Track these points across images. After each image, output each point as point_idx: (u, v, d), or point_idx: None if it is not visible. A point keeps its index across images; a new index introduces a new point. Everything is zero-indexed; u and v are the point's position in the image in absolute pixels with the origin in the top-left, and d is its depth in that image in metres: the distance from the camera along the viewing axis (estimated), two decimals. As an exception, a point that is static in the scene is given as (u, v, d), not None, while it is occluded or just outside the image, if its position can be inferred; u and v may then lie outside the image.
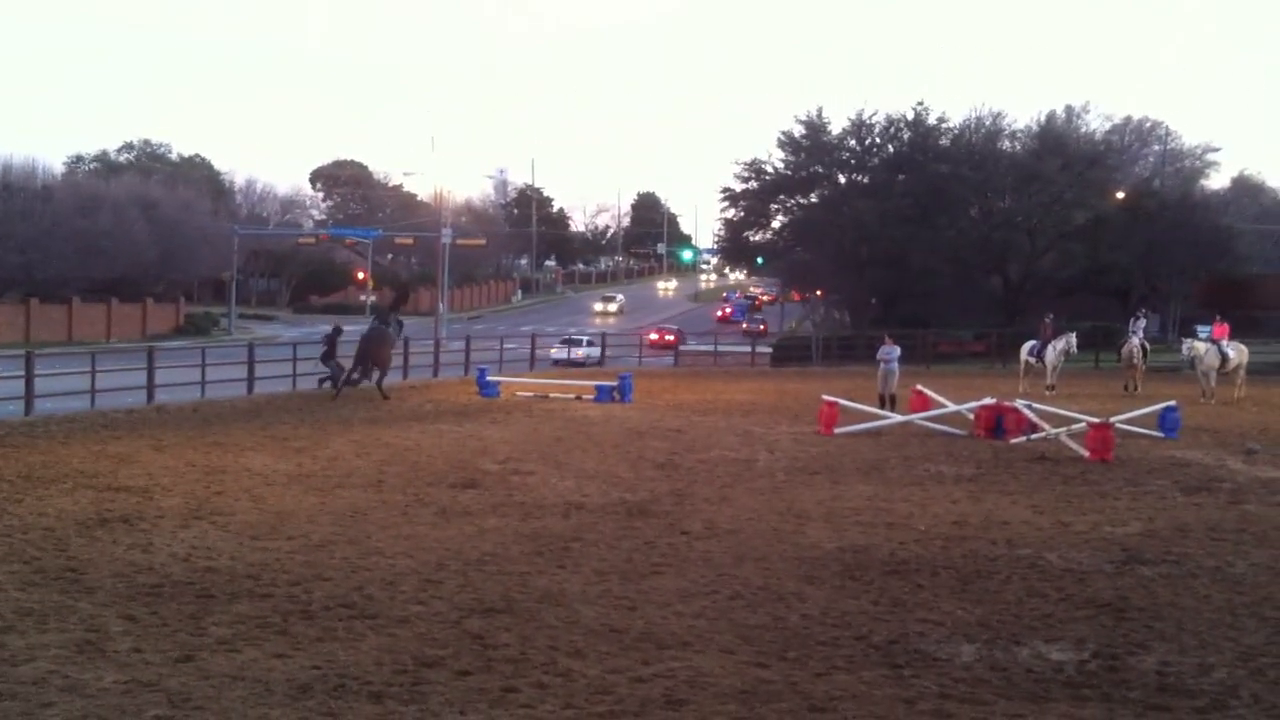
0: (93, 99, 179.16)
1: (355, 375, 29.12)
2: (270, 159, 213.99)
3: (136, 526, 12.85)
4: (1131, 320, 36.35)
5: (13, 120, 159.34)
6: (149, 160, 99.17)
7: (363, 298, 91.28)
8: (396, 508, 14.40)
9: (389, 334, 30.06)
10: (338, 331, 30.48)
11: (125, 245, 65.71)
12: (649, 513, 14.45)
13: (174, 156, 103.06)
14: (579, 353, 47.94)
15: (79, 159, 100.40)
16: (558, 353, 48.76)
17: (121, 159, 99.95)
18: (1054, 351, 32.64)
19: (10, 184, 65.96)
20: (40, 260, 61.14)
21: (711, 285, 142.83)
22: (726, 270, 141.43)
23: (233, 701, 7.46)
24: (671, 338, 59.87)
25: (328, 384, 29.30)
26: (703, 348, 53.50)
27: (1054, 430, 21.31)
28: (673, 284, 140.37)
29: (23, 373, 23.72)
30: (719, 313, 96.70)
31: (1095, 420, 20.57)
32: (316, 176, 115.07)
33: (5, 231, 60.79)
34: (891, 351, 28.50)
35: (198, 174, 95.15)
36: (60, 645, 8.56)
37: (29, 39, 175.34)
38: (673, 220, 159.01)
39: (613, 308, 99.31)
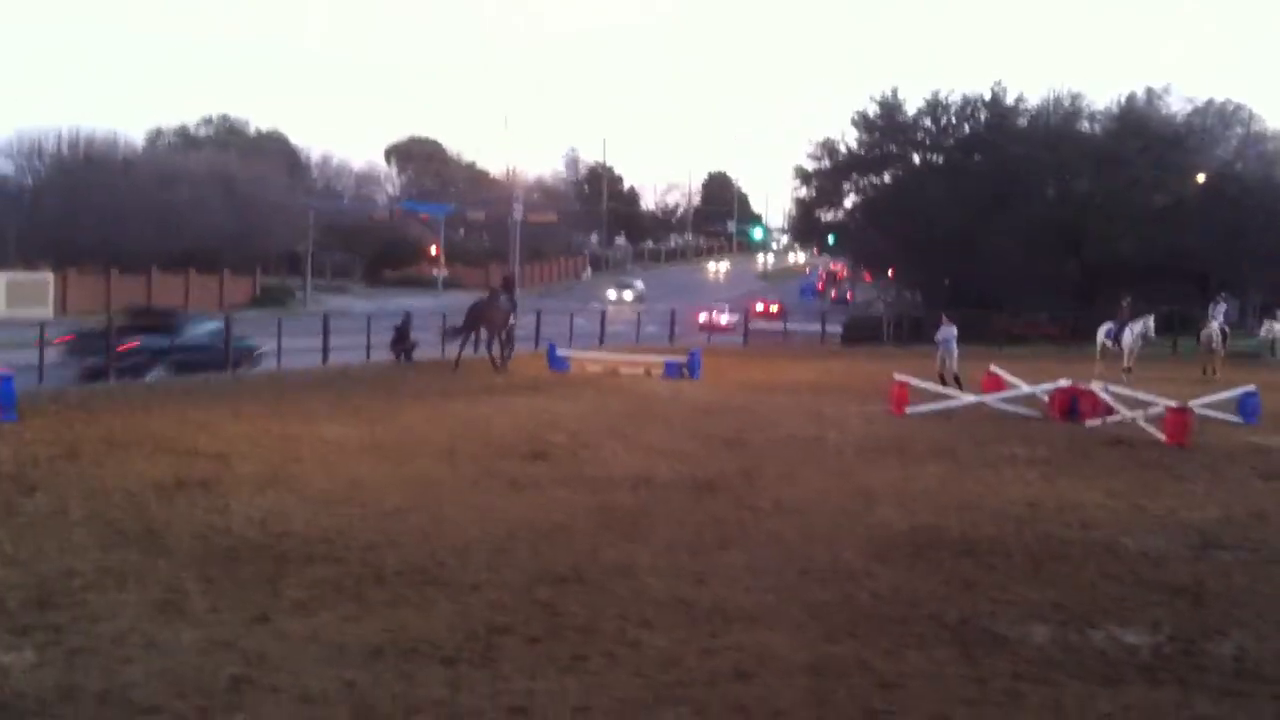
0: (173, 73, 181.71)
1: (460, 341, 29.92)
2: (346, 135, 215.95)
3: (214, 491, 13.07)
4: (1210, 305, 35.68)
5: (95, 94, 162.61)
6: (227, 134, 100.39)
7: (434, 273, 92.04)
8: (467, 478, 14.52)
9: (501, 305, 30.68)
10: (409, 318, 31.24)
11: (203, 218, 66.65)
12: (717, 489, 14.43)
13: (251, 131, 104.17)
14: (628, 294, 46.84)
15: (159, 132, 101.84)
16: (612, 294, 49.00)
17: (200, 133, 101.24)
18: (1131, 334, 32.12)
19: (92, 157, 67.24)
20: (120, 232, 62.13)
21: (768, 268, 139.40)
22: (793, 250, 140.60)
23: (307, 662, 7.58)
24: (775, 309, 61.60)
25: (404, 358, 30.01)
26: (771, 327, 53.30)
27: (1130, 414, 20.98)
28: (725, 265, 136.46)
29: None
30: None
31: (1173, 404, 20.22)
32: (391, 152, 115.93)
33: (86, 203, 61.91)
34: (949, 331, 28.31)
35: (274, 149, 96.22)
36: (140, 604, 8.73)
37: (110, 13, 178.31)
38: (743, 199, 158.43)
39: (629, 296, 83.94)
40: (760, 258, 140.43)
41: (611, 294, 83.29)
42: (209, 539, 10.86)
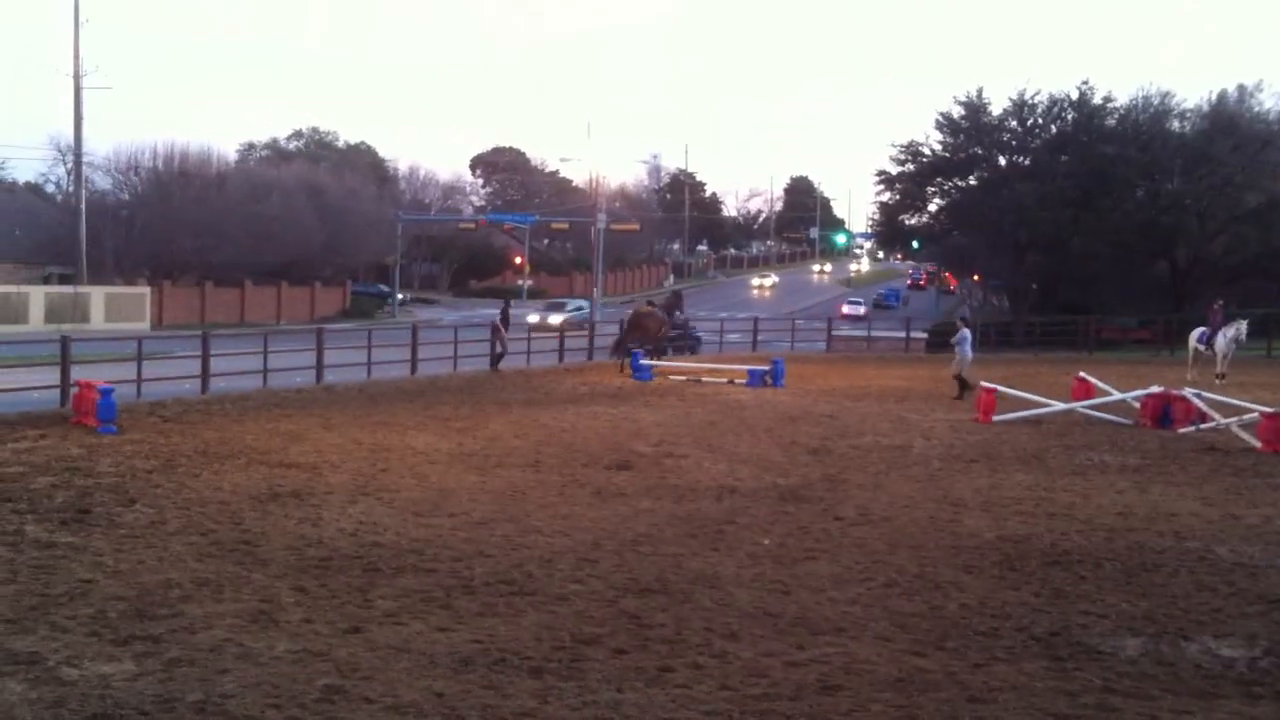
0: (265, 87, 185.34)
1: (623, 348, 33.29)
2: (432, 146, 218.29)
3: (306, 501, 13.33)
4: (1307, 307, 34.83)
5: (190, 109, 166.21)
6: (317, 147, 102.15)
7: (520, 282, 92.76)
8: (553, 487, 14.65)
9: (657, 313, 34.50)
10: (508, 303, 32.13)
11: (294, 230, 67.82)
12: (802, 498, 14.42)
13: (340, 144, 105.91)
14: (555, 319, 43.95)
15: (251, 146, 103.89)
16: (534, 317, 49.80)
17: (291, 146, 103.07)
18: (1224, 339, 31.45)
19: (186, 171, 68.64)
20: (214, 245, 63.44)
21: (863, 272, 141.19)
22: (880, 255, 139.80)
23: (398, 672, 7.72)
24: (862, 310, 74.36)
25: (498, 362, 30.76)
26: (856, 333, 52.95)
27: (1225, 420, 20.55)
28: (828, 267, 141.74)
29: (199, 353, 24.77)
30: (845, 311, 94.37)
31: (1269, 410, 19.76)
32: (476, 163, 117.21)
33: (181, 217, 63.28)
34: (964, 335, 28.13)
35: (363, 161, 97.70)
36: (235, 615, 8.94)
37: (204, 32, 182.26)
38: (826, 204, 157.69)
39: (768, 282, 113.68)
40: (853, 266, 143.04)
41: (755, 281, 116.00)
42: (302, 549, 11.08)
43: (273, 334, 30.72)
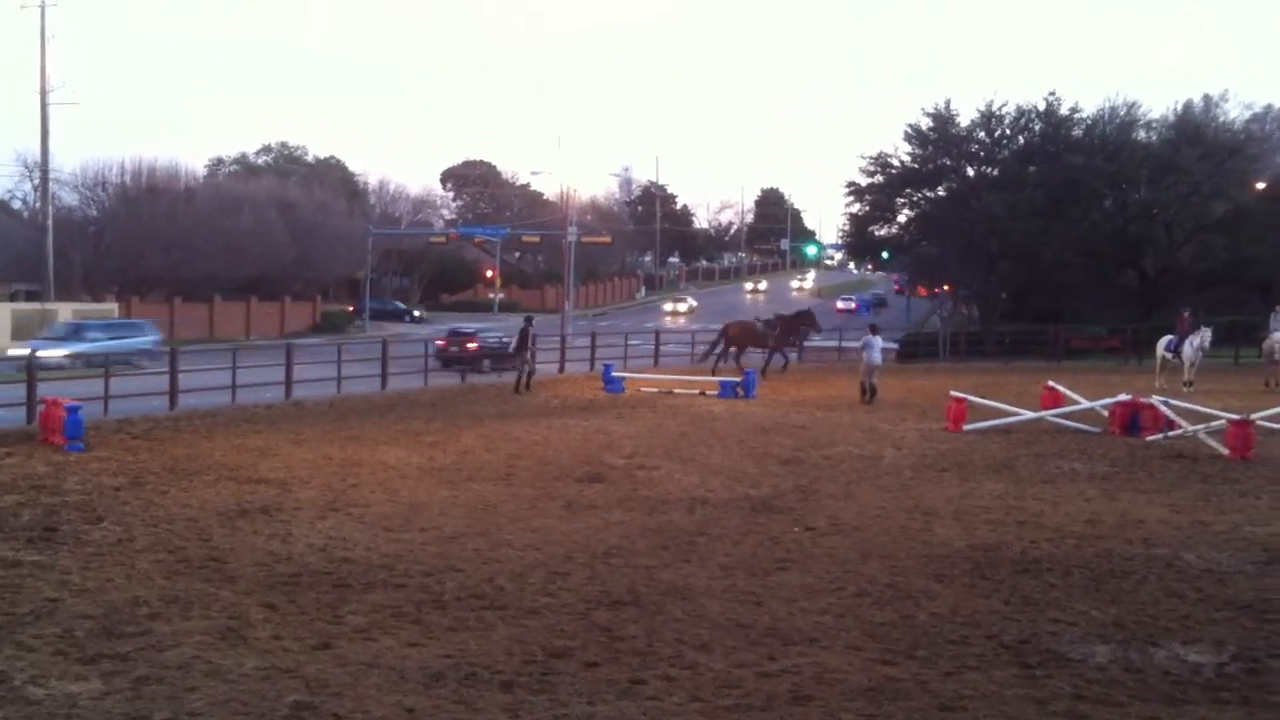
0: (232, 102, 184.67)
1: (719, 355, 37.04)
2: (402, 160, 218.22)
3: (276, 518, 13.26)
4: (1272, 315, 35.13)
5: (157, 124, 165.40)
6: (286, 162, 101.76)
7: (491, 295, 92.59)
8: (525, 501, 14.62)
9: (754, 325, 38.76)
10: (529, 321, 32.07)
11: (264, 245, 67.52)
12: (774, 508, 14.44)
13: (310, 158, 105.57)
14: (472, 345, 40.61)
15: (219, 161, 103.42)
16: (668, 305, 50.15)
17: (260, 161, 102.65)
18: (1191, 347, 31.69)
19: (155, 186, 68.23)
20: (183, 260, 63.07)
21: (806, 289, 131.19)
22: (851, 266, 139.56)
23: (368, 688, 7.68)
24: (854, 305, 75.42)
25: (523, 379, 30.37)
26: (826, 344, 53.07)
27: (1192, 427, 20.70)
28: (810, 280, 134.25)
29: (168, 369, 24.62)
30: (839, 306, 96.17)
31: (1235, 417, 19.92)
32: (447, 176, 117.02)
33: (150, 232, 62.86)
34: (872, 341, 28.37)
35: (333, 175, 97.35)
36: (203, 632, 8.88)
37: (170, 46, 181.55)
38: (796, 216, 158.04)
39: (683, 308, 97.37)
40: (798, 279, 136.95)
41: (668, 307, 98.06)
42: (271, 566, 11.02)
43: (242, 350, 30.60)
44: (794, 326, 39.93)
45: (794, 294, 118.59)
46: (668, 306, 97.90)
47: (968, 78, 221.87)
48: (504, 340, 39.63)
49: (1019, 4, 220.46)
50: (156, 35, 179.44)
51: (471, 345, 40.48)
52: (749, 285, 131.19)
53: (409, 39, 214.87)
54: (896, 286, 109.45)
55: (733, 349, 37.66)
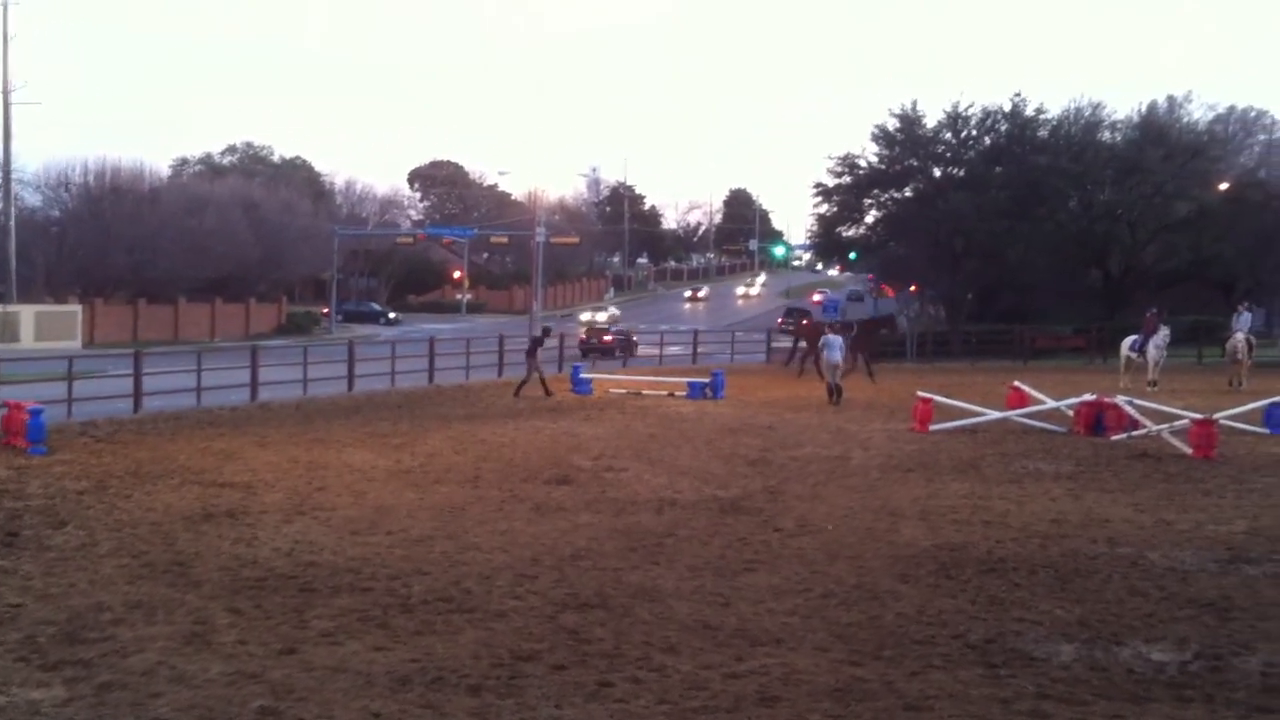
0: (197, 102, 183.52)
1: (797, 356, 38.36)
2: (369, 160, 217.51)
3: (241, 521, 13.18)
4: (1234, 315, 35.48)
5: (120, 124, 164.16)
6: (252, 162, 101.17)
7: (459, 296, 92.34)
8: (492, 503, 14.59)
9: (825, 328, 37.17)
10: (546, 333, 32.37)
11: (229, 246, 67.04)
12: (742, 509, 14.46)
13: (276, 159, 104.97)
14: (608, 338, 49.69)
15: (184, 161, 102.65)
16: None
17: (225, 161, 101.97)
18: (1154, 347, 31.97)
19: (119, 187, 67.62)
20: (148, 261, 62.59)
21: (752, 295, 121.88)
22: (819, 266, 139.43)
23: (334, 693, 7.64)
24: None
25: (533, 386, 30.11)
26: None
27: (1156, 427, 20.88)
28: (756, 288, 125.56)
29: (131, 372, 24.43)
30: (779, 322, 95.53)
31: (1199, 416, 20.11)
32: (414, 177, 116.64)
33: (114, 233, 62.35)
34: (832, 341, 28.56)
35: (299, 175, 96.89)
36: (168, 637, 8.82)
37: (134, 45, 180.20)
38: (765, 216, 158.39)
39: (602, 317, 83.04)
40: (754, 285, 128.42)
41: (585, 315, 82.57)
42: (236, 570, 10.95)
43: (207, 352, 30.40)
44: (873, 331, 40.59)
45: (739, 302, 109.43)
46: (584, 316, 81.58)
47: (966, 79, 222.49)
48: (627, 335, 50.72)
49: (990, 5, 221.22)
50: (150, 36, 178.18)
51: (607, 338, 49.93)
52: (687, 292, 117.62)
53: (409, 39, 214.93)
54: (873, 284, 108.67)
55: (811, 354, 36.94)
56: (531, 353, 30.54)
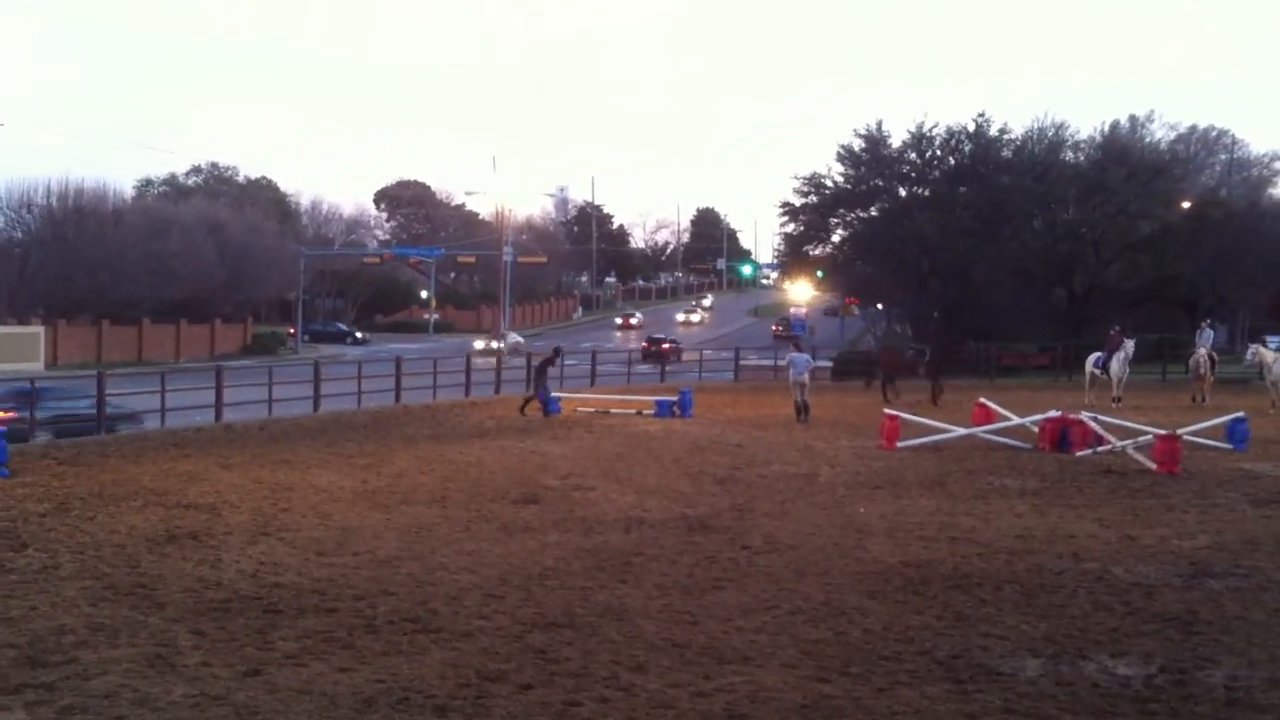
0: (161, 123, 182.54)
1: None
2: (335, 180, 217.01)
3: (205, 543, 13.06)
4: (1197, 332, 35.84)
5: (84, 145, 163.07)
6: (217, 183, 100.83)
7: (426, 316, 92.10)
8: (459, 523, 14.52)
9: (900, 354, 39.87)
10: (557, 352, 32.50)
11: (194, 267, 66.69)
12: (710, 528, 14.45)
13: (241, 179, 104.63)
14: (666, 346, 57.34)
15: (148, 182, 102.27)
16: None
17: (190, 182, 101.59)
18: (1118, 363, 32.25)
19: (82, 208, 67.15)
20: (111, 282, 62.15)
21: (693, 322, 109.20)
22: (786, 285, 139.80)
23: (299, 715, 7.58)
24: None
25: (542, 407, 29.82)
26: (763, 362, 53.38)
27: (1120, 443, 21.03)
28: (698, 314, 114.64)
29: (95, 393, 24.22)
30: (774, 328, 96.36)
31: (1162, 432, 20.28)
32: (381, 197, 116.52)
33: (77, 254, 61.94)
34: (796, 359, 28.69)
35: (264, 196, 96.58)
36: (131, 660, 8.72)
37: (96, 66, 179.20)
38: (732, 235, 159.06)
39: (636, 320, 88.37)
40: (683, 311, 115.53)
41: (479, 344, 67.71)
42: (200, 592, 10.84)
43: (171, 373, 30.18)
44: (948, 352, 41.50)
45: (679, 328, 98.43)
46: (479, 345, 66.88)
47: (967, 78, 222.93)
48: (677, 344, 60.72)
49: (954, 25, 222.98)
50: (150, 37, 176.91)
51: (666, 346, 57.96)
52: (619, 319, 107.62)
53: (409, 39, 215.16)
54: (850, 300, 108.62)
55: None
56: (541, 371, 30.52)
